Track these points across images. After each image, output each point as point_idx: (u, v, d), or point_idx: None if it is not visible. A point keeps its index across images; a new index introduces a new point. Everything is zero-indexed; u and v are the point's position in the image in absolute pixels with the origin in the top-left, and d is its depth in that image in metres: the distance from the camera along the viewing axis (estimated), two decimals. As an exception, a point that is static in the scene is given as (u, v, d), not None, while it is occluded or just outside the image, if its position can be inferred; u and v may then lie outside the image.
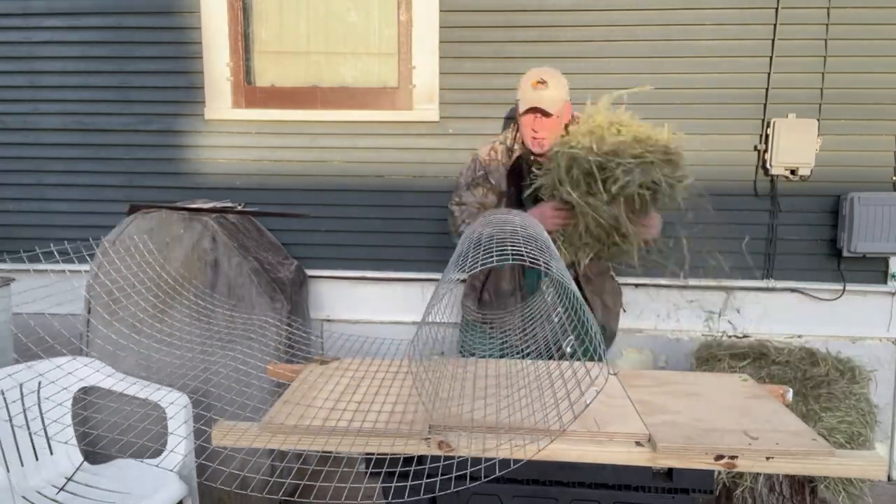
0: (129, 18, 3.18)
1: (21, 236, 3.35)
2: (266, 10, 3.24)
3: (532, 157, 2.30)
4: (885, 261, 3.06)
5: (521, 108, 2.23)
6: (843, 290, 3.08)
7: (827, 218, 3.07)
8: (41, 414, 2.27)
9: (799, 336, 3.11)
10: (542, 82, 2.21)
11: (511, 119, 2.56)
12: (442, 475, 1.16)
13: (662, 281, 3.12)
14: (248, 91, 3.26)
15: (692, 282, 3.14)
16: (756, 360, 2.80)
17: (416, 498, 1.28)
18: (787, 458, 1.32)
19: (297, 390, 1.56)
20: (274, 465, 1.29)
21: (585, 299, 2.25)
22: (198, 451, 2.32)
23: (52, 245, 1.87)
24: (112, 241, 2.45)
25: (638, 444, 1.33)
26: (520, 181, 2.30)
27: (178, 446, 2.24)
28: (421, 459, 1.29)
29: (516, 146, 2.35)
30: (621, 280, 3.03)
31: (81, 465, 2.32)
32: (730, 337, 3.13)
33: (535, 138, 2.26)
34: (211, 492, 2.60)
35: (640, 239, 2.02)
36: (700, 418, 1.42)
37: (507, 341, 1.89)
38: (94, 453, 2.47)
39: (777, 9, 2.94)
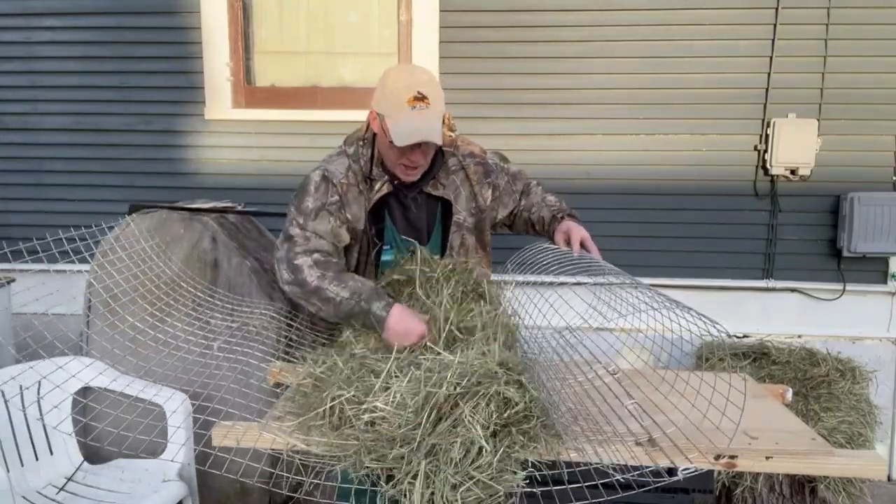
0: (129, 18, 3.18)
1: (21, 236, 3.35)
2: (266, 10, 3.24)
3: (403, 192, 1.79)
4: (885, 261, 3.06)
5: (396, 138, 1.60)
6: (843, 290, 3.08)
7: (827, 218, 3.07)
8: (41, 414, 2.27)
9: (799, 336, 3.11)
10: (422, 98, 1.59)
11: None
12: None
13: (662, 281, 3.11)
14: (248, 91, 3.26)
15: (693, 282, 3.14)
16: (756, 360, 2.79)
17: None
18: (787, 457, 1.32)
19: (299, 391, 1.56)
20: (275, 458, 1.31)
21: None
22: (197, 452, 2.32)
23: (52, 241, 1.87)
24: (112, 242, 2.45)
25: (638, 443, 1.33)
26: (381, 221, 1.79)
27: (178, 447, 2.24)
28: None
29: (375, 171, 1.75)
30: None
31: (81, 465, 2.32)
32: (730, 337, 3.13)
33: (409, 168, 1.71)
34: (211, 492, 2.60)
35: None
36: (700, 418, 1.42)
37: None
38: (94, 453, 2.47)
39: (777, 9, 2.94)
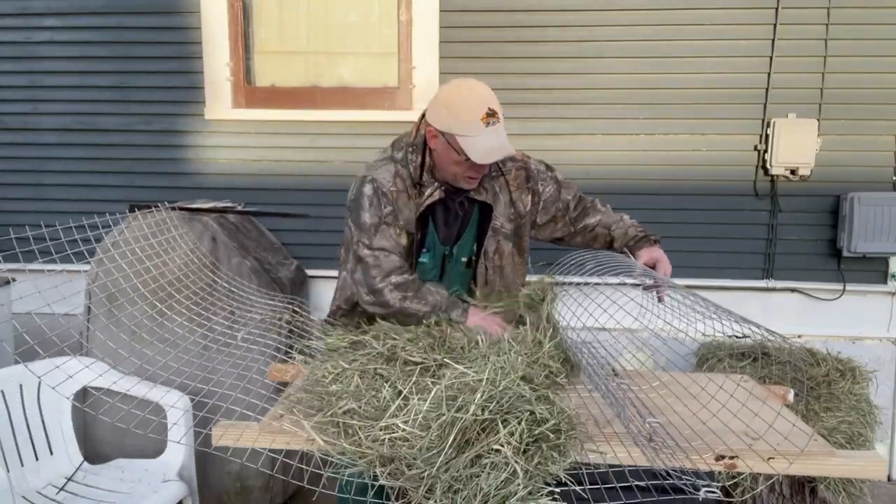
0: (129, 18, 3.18)
1: (21, 236, 3.34)
2: (266, 10, 3.24)
3: (451, 198, 1.82)
4: (885, 261, 3.06)
5: (476, 156, 1.64)
6: (843, 290, 3.08)
7: (827, 218, 3.07)
8: (41, 414, 2.27)
9: (799, 336, 3.11)
10: (493, 114, 1.64)
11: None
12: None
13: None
14: (248, 91, 3.26)
15: (693, 282, 3.14)
16: (756, 360, 2.79)
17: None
18: (787, 458, 1.32)
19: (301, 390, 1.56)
20: (275, 459, 1.31)
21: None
22: (197, 452, 2.32)
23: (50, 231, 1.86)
24: (112, 242, 2.45)
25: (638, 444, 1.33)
26: (426, 226, 1.82)
27: (178, 447, 2.24)
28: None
29: (425, 177, 1.77)
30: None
31: (81, 465, 2.32)
32: (730, 337, 3.13)
33: (471, 178, 1.75)
34: (211, 492, 2.60)
35: None
36: (700, 418, 1.42)
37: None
38: (94, 453, 2.47)
39: (777, 9, 2.94)
